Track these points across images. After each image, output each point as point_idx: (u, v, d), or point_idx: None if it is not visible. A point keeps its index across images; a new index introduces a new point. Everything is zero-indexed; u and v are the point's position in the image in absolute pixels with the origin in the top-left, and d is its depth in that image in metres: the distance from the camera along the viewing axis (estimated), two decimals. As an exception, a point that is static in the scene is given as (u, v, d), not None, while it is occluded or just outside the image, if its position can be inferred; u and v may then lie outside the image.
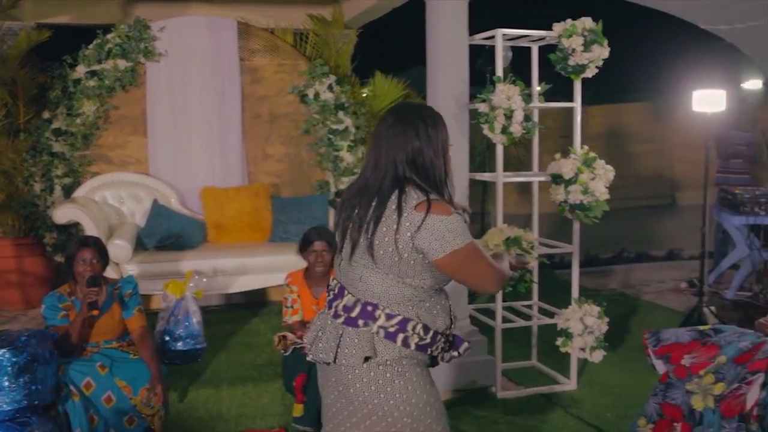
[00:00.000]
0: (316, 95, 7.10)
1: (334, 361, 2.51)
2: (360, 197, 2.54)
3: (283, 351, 4.38)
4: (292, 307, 4.52)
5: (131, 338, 4.17)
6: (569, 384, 5.18)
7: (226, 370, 5.11)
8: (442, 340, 2.60)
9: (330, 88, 7.09)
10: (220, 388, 4.82)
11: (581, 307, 4.93)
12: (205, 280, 5.28)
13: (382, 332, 2.48)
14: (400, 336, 2.49)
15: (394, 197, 2.46)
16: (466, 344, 2.73)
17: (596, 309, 4.94)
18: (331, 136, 7.11)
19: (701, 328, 4.06)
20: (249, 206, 6.82)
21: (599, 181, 4.73)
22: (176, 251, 6.34)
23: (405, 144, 2.50)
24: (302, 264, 4.57)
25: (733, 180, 8.23)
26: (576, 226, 5.08)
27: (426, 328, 2.52)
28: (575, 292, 5.17)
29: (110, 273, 4.90)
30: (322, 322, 2.62)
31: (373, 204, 2.48)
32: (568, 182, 4.75)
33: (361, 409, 2.51)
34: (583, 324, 4.89)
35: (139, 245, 6.38)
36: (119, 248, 5.98)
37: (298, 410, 4.23)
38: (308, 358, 2.67)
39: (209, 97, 7.09)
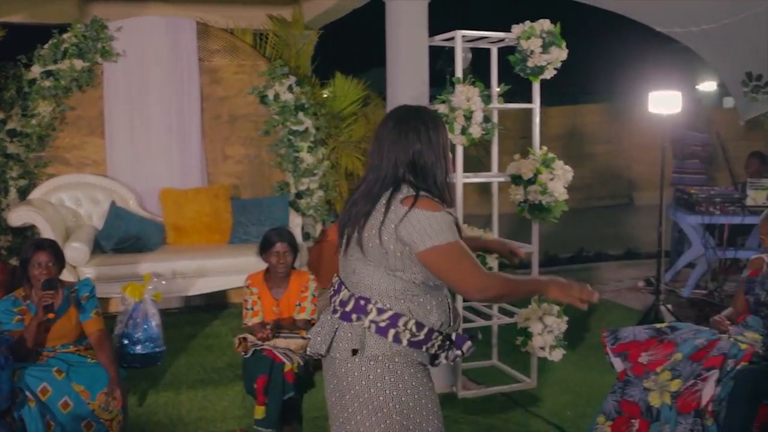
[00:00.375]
0: (276, 96, 7.07)
1: (328, 353, 2.58)
2: (361, 197, 2.60)
3: (243, 353, 4.36)
4: (252, 309, 4.49)
5: (88, 342, 4.12)
6: (529, 383, 5.22)
7: (185, 373, 5.07)
8: (439, 337, 2.60)
9: (290, 89, 7.07)
10: (179, 391, 4.78)
11: (541, 307, 4.97)
12: (164, 282, 5.23)
13: (373, 327, 2.53)
14: (392, 331, 2.52)
15: (387, 194, 2.52)
16: (469, 343, 2.72)
17: (555, 308, 4.99)
18: (291, 137, 7.09)
19: (658, 326, 4.12)
20: (208, 208, 6.76)
21: (558, 182, 4.78)
22: (135, 253, 6.27)
23: (407, 147, 2.55)
24: (262, 266, 4.55)
25: (689, 180, 8.35)
26: (535, 226, 5.12)
27: (419, 325, 2.54)
28: (535, 291, 5.21)
29: (68, 276, 4.83)
30: (324, 317, 2.70)
31: (369, 201, 2.55)
32: (528, 183, 4.79)
33: (352, 403, 2.55)
34: (542, 323, 4.93)
35: (97, 248, 6.30)
36: (76, 251, 5.90)
37: (259, 412, 4.20)
38: (307, 351, 2.75)
39: (168, 98, 7.02)
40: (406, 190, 2.51)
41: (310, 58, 7.88)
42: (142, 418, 4.53)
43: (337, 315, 2.61)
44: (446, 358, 2.68)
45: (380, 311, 2.53)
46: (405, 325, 2.53)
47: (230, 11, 7.61)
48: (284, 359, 4.25)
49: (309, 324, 4.55)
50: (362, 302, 2.56)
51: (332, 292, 2.70)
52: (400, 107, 2.72)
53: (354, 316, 2.56)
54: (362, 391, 2.54)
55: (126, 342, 4.55)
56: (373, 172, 2.60)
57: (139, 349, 4.56)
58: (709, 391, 3.62)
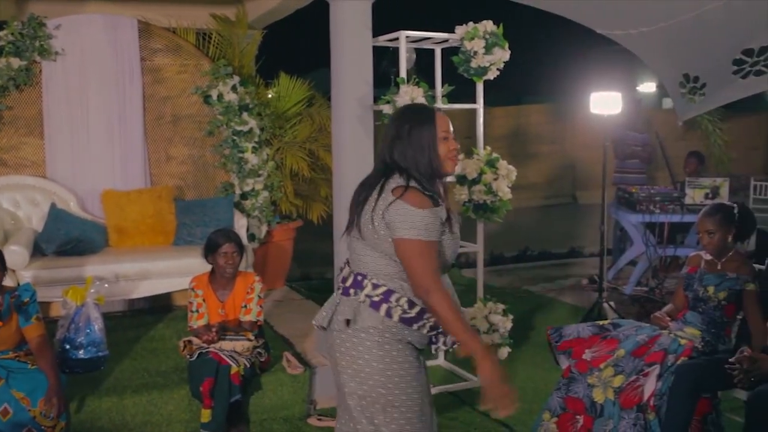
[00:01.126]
0: (220, 96, 7.00)
1: (328, 326, 2.84)
2: (364, 184, 2.88)
3: (189, 356, 4.32)
4: (197, 311, 4.45)
5: (28, 348, 4.02)
6: (476, 381, 5.24)
7: (129, 378, 4.99)
8: (432, 318, 2.73)
9: (234, 89, 7.00)
10: (123, 396, 4.69)
11: (486, 306, 5.01)
12: (106, 285, 5.14)
13: (367, 301, 2.74)
14: (384, 306, 2.71)
15: (381, 182, 2.77)
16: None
17: (501, 307, 5.04)
18: (235, 138, 7.01)
19: (601, 323, 4.19)
20: (152, 209, 6.67)
21: (502, 181, 4.82)
22: (76, 256, 6.15)
23: (391, 141, 2.82)
24: (207, 267, 4.51)
25: (630, 180, 8.50)
26: (480, 226, 5.17)
27: (411, 303, 2.72)
28: (480, 291, 5.26)
29: (6, 280, 4.71)
30: (333, 295, 2.95)
31: (367, 188, 2.82)
32: (472, 182, 4.82)
33: (345, 371, 2.78)
34: (488, 322, 4.97)
35: (37, 251, 6.16)
36: (15, 254, 5.76)
37: (205, 416, 4.17)
38: (312, 323, 2.97)
39: (109, 98, 6.89)
40: (398, 179, 2.75)
41: (254, 58, 7.82)
42: (85, 424, 4.44)
43: (340, 291, 2.85)
44: (444, 343, 2.83)
45: (375, 286, 2.74)
46: (397, 301, 2.71)
47: (172, 10, 7.50)
48: (230, 362, 4.22)
49: (255, 326, 4.53)
50: (359, 278, 2.78)
51: (339, 272, 2.95)
52: (405, 105, 3.13)
53: (352, 291, 2.78)
54: (352, 362, 2.75)
55: (68, 347, 4.47)
56: (375, 162, 2.95)
57: (81, 353, 4.48)
58: (650, 386, 3.69)
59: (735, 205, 4.07)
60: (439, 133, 2.83)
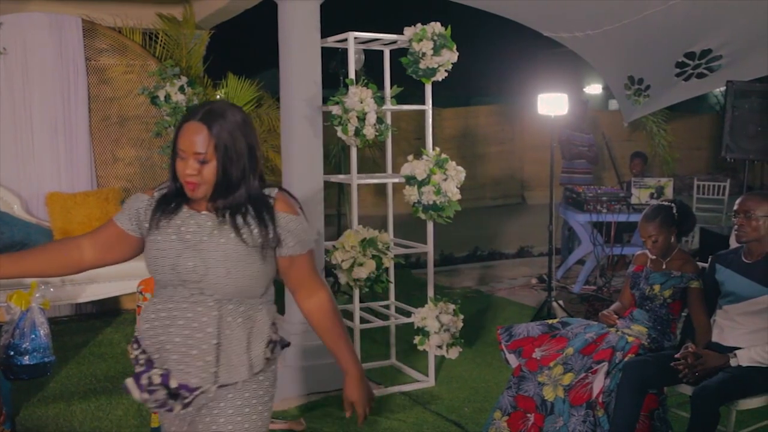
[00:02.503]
0: (167, 97, 6.90)
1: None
2: None
3: (137, 361, 4.25)
4: (145, 315, 4.39)
5: (-29, 354, 3.94)
6: (428, 381, 5.27)
7: (77, 383, 4.91)
8: (141, 352, 2.47)
9: (182, 89, 6.91)
10: (71, 402, 4.62)
11: (437, 306, 5.03)
12: (52, 290, 5.05)
13: None
14: None
15: None
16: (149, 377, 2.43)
17: (451, 307, 5.06)
18: (183, 139, 6.94)
19: (550, 321, 4.23)
20: (98, 212, 6.56)
21: (451, 182, 4.84)
22: (20, 261, 6.02)
23: None
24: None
25: (577, 180, 8.61)
26: (430, 226, 5.19)
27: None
28: (431, 290, 5.28)
29: (-54, 286, 4.61)
30: None
31: None
32: (421, 183, 4.84)
33: None
34: (439, 322, 4.99)
35: (-21, 255, 6.03)
36: (-44, 259, 5.62)
37: (155, 420, 4.11)
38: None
39: (53, 98, 6.77)
40: None
41: (202, 59, 7.75)
42: (31, 431, 4.36)
43: None
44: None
45: None
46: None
47: (118, 9, 7.39)
48: (180, 366, 4.17)
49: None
50: None
51: None
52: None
53: None
54: None
55: (12, 353, 4.37)
56: None
57: (26, 359, 4.39)
58: (599, 383, 3.74)
59: (673, 204, 4.15)
60: (176, 148, 2.30)
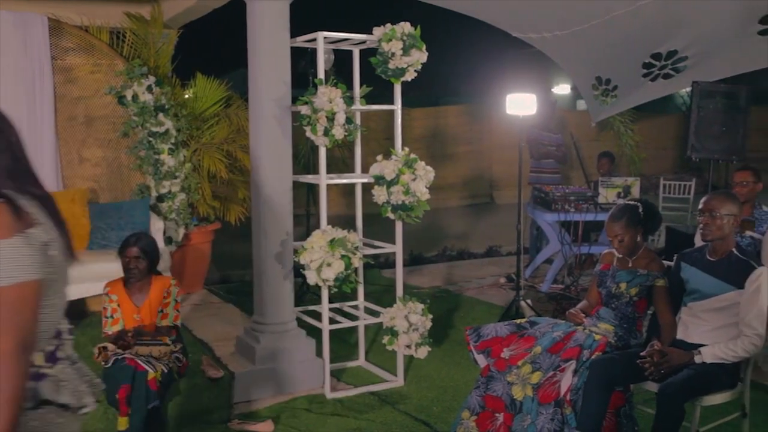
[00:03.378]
0: (135, 97, 6.86)
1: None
2: None
3: (104, 363, 4.21)
4: (112, 317, 4.35)
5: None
6: (397, 381, 5.28)
7: (41, 386, 4.85)
8: None
9: (149, 89, 6.87)
10: (35, 405, 4.56)
11: (406, 305, 5.04)
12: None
13: None
14: None
15: None
16: None
17: (420, 306, 5.07)
18: (151, 139, 6.89)
19: (518, 321, 4.26)
20: (64, 213, 6.45)
21: (420, 182, 4.85)
22: (-16, 262, 5.94)
23: None
24: (122, 272, 4.41)
25: (545, 179, 8.65)
26: (399, 226, 5.19)
27: None
28: (399, 290, 5.28)
29: None
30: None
31: None
32: (390, 183, 4.84)
33: None
34: (407, 321, 5.00)
35: (-58, 257, 5.93)
36: None
37: (122, 424, 4.07)
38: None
39: (18, 98, 6.68)
40: None
41: (170, 58, 7.69)
42: (-6, 435, 4.30)
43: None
44: None
45: None
46: None
47: (85, 8, 7.32)
48: (147, 367, 4.14)
49: (172, 330, 4.45)
50: None
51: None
52: None
53: None
54: None
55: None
56: None
57: (-10, 363, 4.32)
58: (567, 381, 3.76)
59: (639, 203, 4.18)
60: None
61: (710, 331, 3.85)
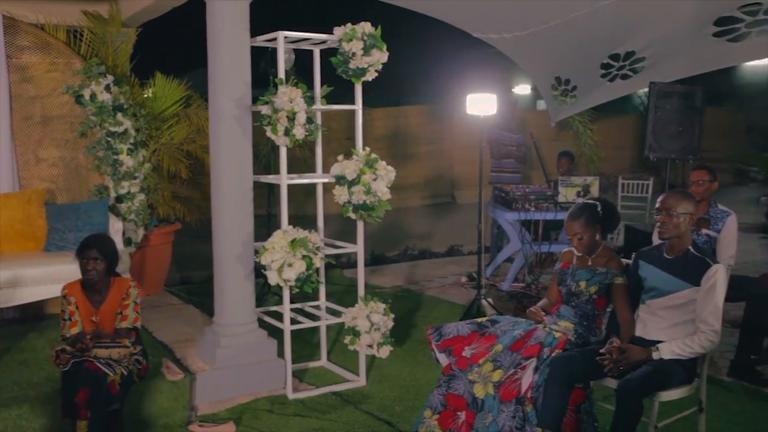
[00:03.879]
0: (93, 96, 6.76)
1: None
2: None
3: (62, 366, 4.16)
4: (70, 319, 4.30)
5: None
6: (359, 381, 5.28)
7: (-2, 391, 4.77)
8: None
9: (107, 88, 6.78)
10: (-8, 410, 4.49)
11: (367, 305, 5.04)
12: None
13: None
14: None
15: None
16: None
17: (382, 306, 5.08)
18: (109, 139, 6.80)
19: (479, 320, 4.29)
20: (20, 214, 6.39)
21: (381, 182, 4.86)
22: (-62, 265, 5.83)
23: None
24: (80, 274, 4.36)
25: (506, 179, 8.72)
26: (360, 226, 5.19)
27: None
28: (361, 290, 5.29)
29: None
30: None
31: None
32: (351, 183, 4.84)
33: None
34: (369, 321, 5.01)
35: None
36: None
37: (81, 428, 4.03)
38: None
39: (-28, 98, 6.57)
40: None
41: (128, 57, 7.61)
42: (-51, 441, 4.23)
43: None
44: None
45: None
46: None
47: (41, 6, 7.20)
48: (106, 370, 4.10)
49: (132, 332, 4.41)
50: None
51: None
52: None
53: None
54: None
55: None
56: None
57: (-57, 367, 4.25)
58: (527, 379, 3.80)
59: (597, 202, 4.23)
60: None
61: (668, 327, 3.91)
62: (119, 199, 6.82)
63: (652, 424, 3.73)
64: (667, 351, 3.76)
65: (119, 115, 6.80)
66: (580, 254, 4.24)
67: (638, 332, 4.02)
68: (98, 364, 4.09)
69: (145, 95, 7.64)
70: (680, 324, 3.87)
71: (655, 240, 4.58)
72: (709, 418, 4.13)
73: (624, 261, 4.27)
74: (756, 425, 4.56)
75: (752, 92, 22.96)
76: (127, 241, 6.74)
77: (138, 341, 4.51)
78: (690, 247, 3.96)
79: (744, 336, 5.35)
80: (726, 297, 3.90)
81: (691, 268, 3.88)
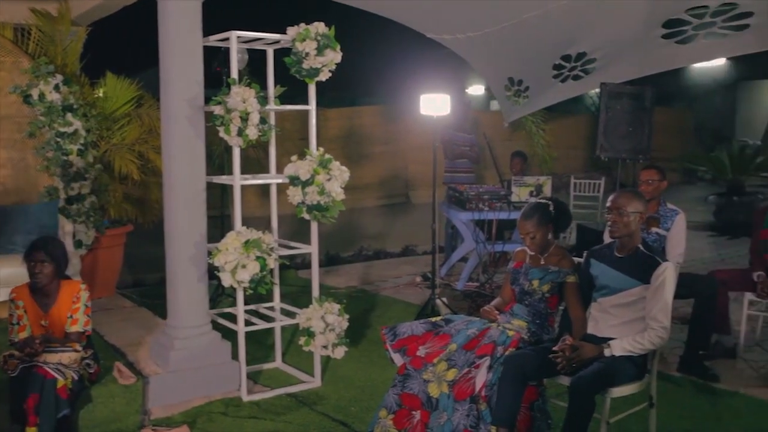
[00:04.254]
0: (42, 96, 6.64)
1: None
2: None
3: (10, 372, 4.09)
4: (18, 323, 4.23)
5: None
6: (314, 382, 5.27)
7: (-57, 397, 4.66)
8: None
9: (57, 88, 6.67)
10: (-63, 417, 4.38)
11: (322, 306, 5.04)
12: None
13: None
14: None
15: None
16: None
17: (336, 307, 5.07)
18: (59, 140, 6.69)
19: (433, 319, 4.31)
20: (-33, 216, 6.27)
21: (335, 182, 4.86)
22: None
23: None
24: (28, 277, 4.29)
25: (460, 179, 8.76)
26: (314, 227, 5.18)
27: None
28: (316, 291, 5.27)
29: None
30: None
31: None
32: (305, 183, 4.83)
33: None
34: (324, 322, 5.00)
35: None
36: None
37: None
38: None
39: None
40: None
41: (78, 56, 7.49)
42: None
43: None
44: None
45: None
46: None
47: (-13, 4, 7.09)
48: (56, 375, 4.04)
49: (82, 336, 4.35)
50: None
51: None
52: None
53: None
54: None
55: None
56: None
57: None
58: (481, 377, 3.82)
59: (550, 202, 4.28)
60: None
61: (619, 325, 3.96)
62: (69, 200, 6.72)
63: (604, 420, 3.78)
64: (618, 348, 3.82)
65: (69, 115, 6.69)
66: (532, 253, 4.28)
67: (590, 330, 4.07)
68: (48, 369, 4.03)
69: (96, 95, 7.53)
70: (631, 321, 3.93)
71: (607, 239, 4.64)
72: (660, 413, 4.19)
73: (576, 260, 4.32)
74: (705, 419, 4.65)
75: (700, 93, 23.43)
76: (78, 243, 6.64)
77: (89, 345, 4.45)
78: (640, 246, 4.02)
79: (692, 332, 5.45)
80: (675, 294, 3.97)
81: (641, 266, 3.94)
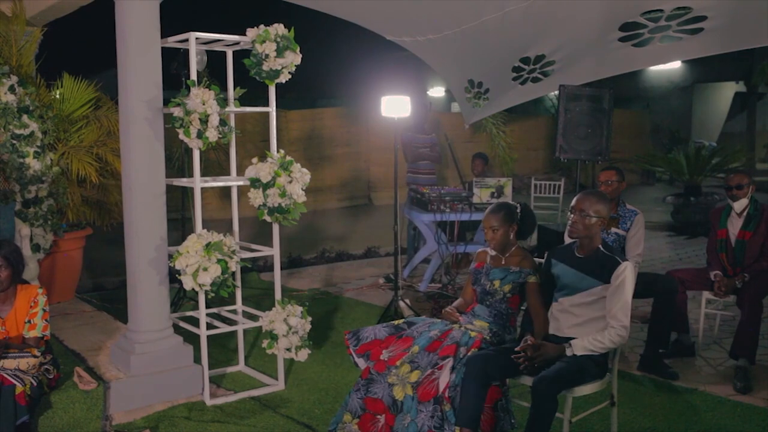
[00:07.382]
0: (-4, 98, 6.53)
1: None
2: None
3: (-34, 378, 4.02)
4: (-26, 329, 4.15)
5: None
6: (278, 385, 5.25)
7: None
8: None
9: (12, 89, 6.55)
10: None
11: (285, 308, 5.02)
12: None
13: None
14: None
15: None
16: None
17: (299, 309, 5.06)
18: (15, 142, 6.57)
19: (396, 322, 4.31)
20: None
21: (296, 184, 4.85)
22: None
23: None
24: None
25: (421, 180, 8.78)
26: (276, 229, 5.16)
27: None
28: (278, 293, 5.25)
29: None
30: None
31: None
32: (266, 186, 4.81)
33: None
34: (287, 324, 4.98)
35: None
36: None
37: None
38: None
39: None
40: None
41: (33, 57, 7.37)
42: None
43: None
44: None
45: None
46: None
47: (-61, 4, 6.95)
48: (14, 381, 3.98)
49: (41, 341, 4.29)
50: None
51: None
52: None
53: None
54: None
55: None
56: None
57: None
58: (445, 378, 3.84)
59: (518, 205, 4.33)
60: None
61: (580, 324, 4.00)
62: (26, 204, 6.60)
63: (566, 419, 3.81)
64: (579, 347, 3.86)
65: (25, 117, 6.57)
66: (494, 253, 4.31)
67: (551, 330, 4.11)
68: (5, 375, 3.97)
69: (53, 97, 7.42)
70: (592, 320, 3.97)
71: (567, 239, 4.69)
72: (621, 411, 4.25)
73: (537, 260, 4.36)
74: (665, 416, 4.72)
75: (657, 95, 23.81)
76: (35, 248, 6.54)
77: (48, 350, 4.39)
78: (600, 246, 4.06)
79: (652, 330, 5.52)
80: (634, 293, 4.02)
81: (601, 266, 3.98)
